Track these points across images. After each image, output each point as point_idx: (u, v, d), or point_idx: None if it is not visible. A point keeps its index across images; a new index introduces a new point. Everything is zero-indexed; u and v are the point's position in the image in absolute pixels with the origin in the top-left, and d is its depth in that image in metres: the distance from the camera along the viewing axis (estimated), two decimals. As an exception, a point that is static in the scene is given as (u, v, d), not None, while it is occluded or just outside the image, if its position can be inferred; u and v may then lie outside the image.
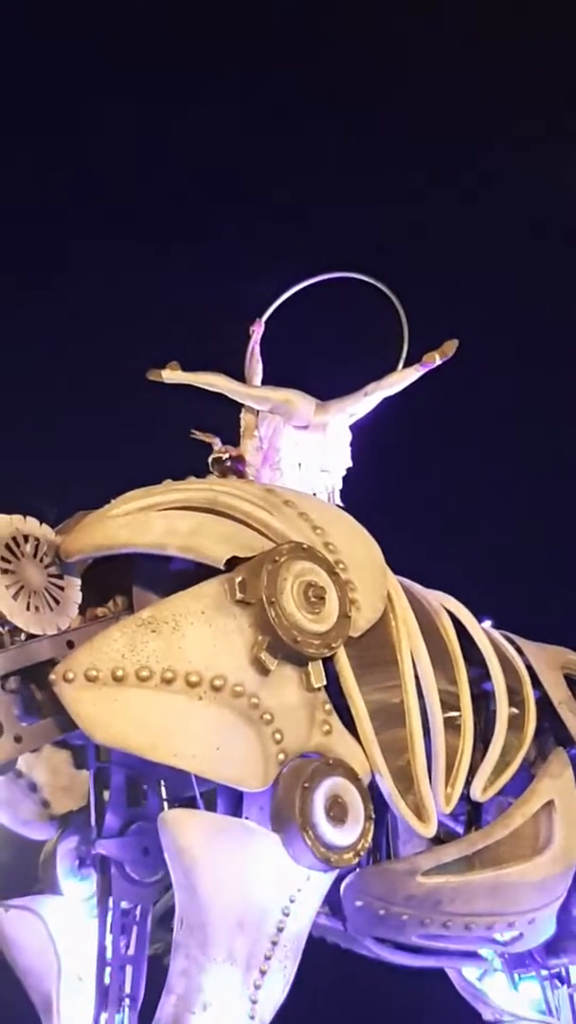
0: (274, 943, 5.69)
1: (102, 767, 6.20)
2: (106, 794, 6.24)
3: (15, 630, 5.78)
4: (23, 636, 5.79)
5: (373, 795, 6.89)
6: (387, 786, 6.10)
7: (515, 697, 6.89)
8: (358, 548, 6.37)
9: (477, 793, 6.54)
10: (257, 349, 8.32)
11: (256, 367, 8.31)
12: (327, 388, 8.24)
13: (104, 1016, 6.01)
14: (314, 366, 8.78)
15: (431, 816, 6.21)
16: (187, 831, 5.62)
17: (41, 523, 6.02)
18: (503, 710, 6.76)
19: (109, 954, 6.03)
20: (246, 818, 5.85)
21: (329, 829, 5.73)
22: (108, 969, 6.02)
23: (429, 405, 8.55)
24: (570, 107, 11.90)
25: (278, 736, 5.73)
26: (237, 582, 5.81)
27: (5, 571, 5.76)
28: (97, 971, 6.05)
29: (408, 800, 6.16)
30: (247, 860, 5.65)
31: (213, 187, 11.67)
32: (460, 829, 6.76)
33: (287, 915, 5.73)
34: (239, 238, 11.29)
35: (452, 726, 6.43)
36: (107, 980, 5.98)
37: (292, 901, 5.74)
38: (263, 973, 5.66)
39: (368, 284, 8.27)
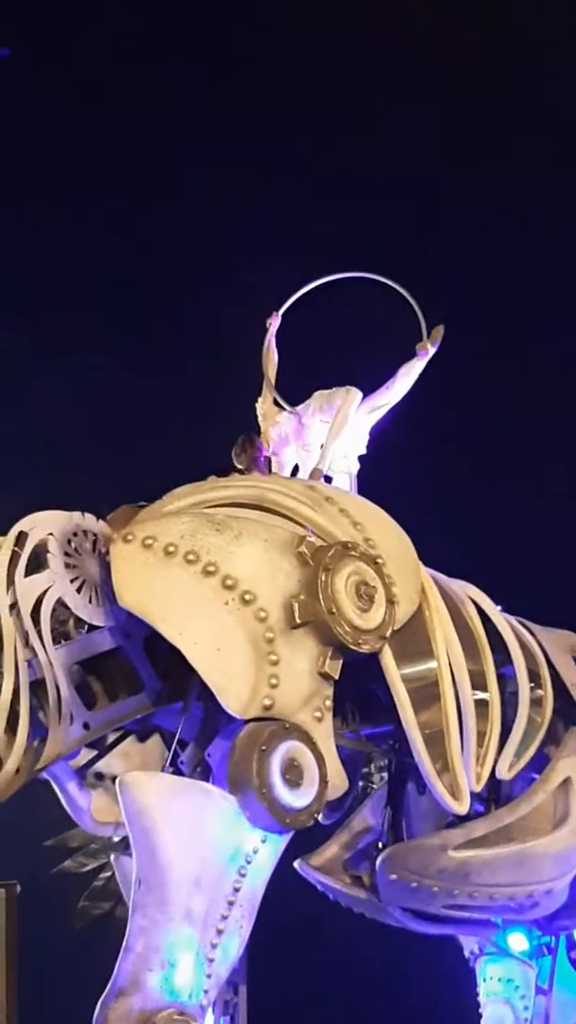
0: (230, 903, 5.92)
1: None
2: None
3: (79, 622, 6.05)
4: (86, 628, 6.07)
5: (390, 777, 7.34)
6: (426, 768, 6.49)
7: (534, 680, 7.28)
8: (393, 542, 6.72)
9: (503, 771, 6.91)
10: (273, 342, 8.54)
11: (272, 360, 8.52)
12: (341, 382, 8.46)
13: None
14: (330, 359, 9.02)
15: (464, 795, 6.60)
16: (146, 792, 5.82)
17: (98, 519, 6.30)
18: (524, 692, 7.15)
19: None
20: (208, 755, 6.14)
21: (285, 792, 5.94)
22: None
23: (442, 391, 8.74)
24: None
25: (274, 681, 5.99)
26: (307, 541, 6.18)
27: (68, 566, 6.02)
28: None
29: (444, 780, 6.53)
30: (205, 821, 5.86)
31: (235, 181, 11.85)
32: (480, 805, 7.18)
33: (243, 875, 5.96)
34: (261, 231, 11.47)
35: (481, 710, 6.80)
36: None
37: (248, 862, 5.97)
38: (219, 932, 5.88)
39: (388, 286, 8.50)
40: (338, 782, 6.18)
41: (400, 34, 12.21)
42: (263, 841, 6.00)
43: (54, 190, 11.80)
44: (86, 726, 5.96)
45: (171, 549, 5.95)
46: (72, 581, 6.01)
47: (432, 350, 8.38)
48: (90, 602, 6.05)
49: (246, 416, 8.37)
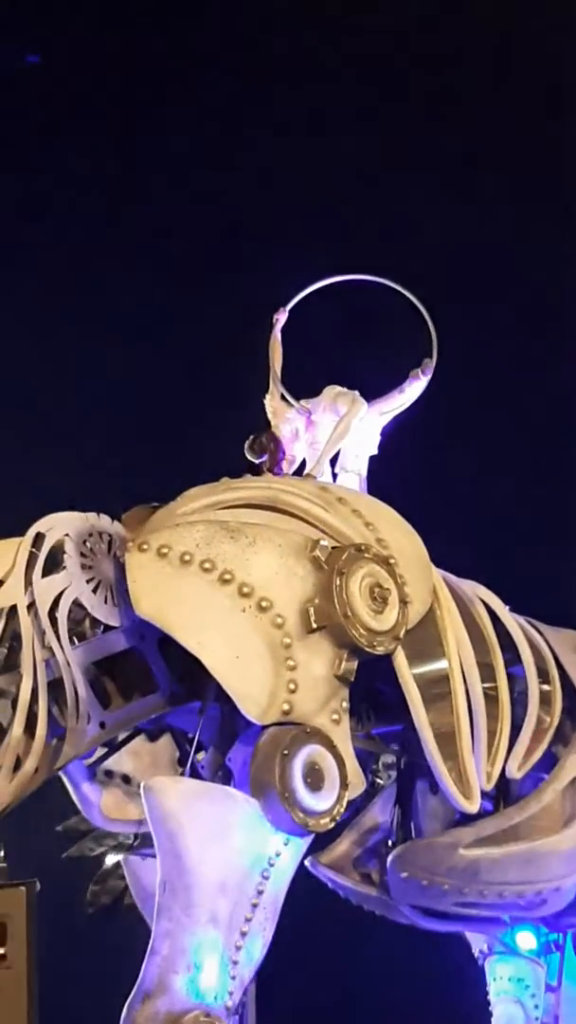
0: (254, 905, 5.99)
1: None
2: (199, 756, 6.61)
3: (94, 622, 6.12)
4: (101, 628, 6.13)
5: (399, 776, 7.41)
6: (438, 767, 6.56)
7: (543, 679, 7.34)
8: (405, 542, 6.77)
9: (513, 770, 6.98)
10: (279, 337, 8.57)
11: (278, 355, 8.55)
12: (346, 379, 8.50)
13: None
14: (336, 357, 9.06)
15: (475, 793, 6.66)
16: (170, 796, 5.90)
17: (112, 520, 6.36)
18: (534, 691, 7.21)
19: None
20: (229, 759, 6.24)
21: (307, 795, 6.01)
22: None
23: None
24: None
25: (292, 686, 6.06)
26: (321, 545, 6.24)
27: (84, 566, 6.08)
28: None
29: (455, 779, 6.60)
30: (229, 825, 5.94)
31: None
32: (488, 803, 7.24)
33: (266, 878, 6.03)
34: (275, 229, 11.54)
35: (491, 709, 6.87)
36: None
37: (271, 865, 6.05)
38: (243, 934, 5.96)
39: (401, 295, 8.55)
40: (356, 782, 6.26)
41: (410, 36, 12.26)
42: (285, 844, 6.08)
43: (73, 192, 11.89)
44: (102, 725, 6.02)
45: (187, 557, 6.02)
46: (88, 582, 6.07)
47: (424, 378, 8.44)
48: (105, 602, 6.11)
49: (258, 414, 8.43)
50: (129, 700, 6.18)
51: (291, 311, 8.58)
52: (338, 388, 8.30)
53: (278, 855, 6.06)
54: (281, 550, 6.18)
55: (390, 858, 6.85)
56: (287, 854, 6.10)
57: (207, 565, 6.01)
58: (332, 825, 6.20)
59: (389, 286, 8.52)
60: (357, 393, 8.27)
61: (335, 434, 8.07)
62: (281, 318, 8.62)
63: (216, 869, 5.87)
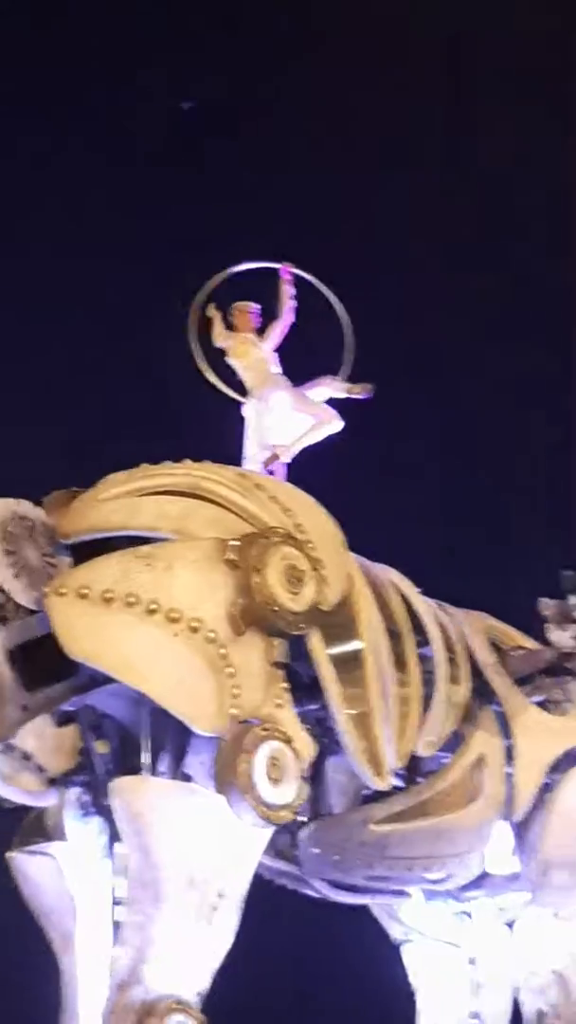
0: (220, 895, 6.27)
1: (96, 725, 6.79)
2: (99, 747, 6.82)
3: (17, 607, 6.24)
4: (23, 612, 6.25)
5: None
6: (351, 746, 6.79)
7: (452, 660, 7.60)
8: (322, 528, 6.95)
9: (422, 749, 7.23)
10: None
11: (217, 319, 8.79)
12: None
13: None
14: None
15: (386, 771, 6.94)
16: (139, 796, 6.18)
17: (35, 505, 6.47)
18: (443, 672, 7.46)
19: (118, 892, 6.56)
20: (186, 764, 6.41)
21: (268, 790, 6.24)
22: (118, 907, 6.56)
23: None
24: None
25: (236, 691, 6.27)
26: (231, 545, 6.39)
27: (7, 552, 6.19)
28: (112, 910, 6.63)
29: (367, 757, 6.84)
30: (195, 821, 6.22)
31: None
32: (398, 780, 7.48)
33: (231, 870, 6.32)
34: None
35: (402, 690, 7.13)
36: (117, 917, 6.52)
37: (236, 857, 6.33)
38: (211, 924, 6.24)
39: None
40: (307, 753, 6.45)
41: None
42: (249, 836, 6.33)
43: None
44: (25, 708, 6.17)
45: (108, 595, 6.08)
46: (10, 567, 6.20)
47: (358, 397, 8.67)
48: (28, 588, 6.23)
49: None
50: (51, 683, 6.31)
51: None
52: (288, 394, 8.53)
53: (242, 848, 6.33)
54: (197, 565, 6.31)
55: (302, 834, 7.09)
56: (251, 847, 6.38)
57: (131, 599, 6.10)
58: (292, 817, 6.45)
59: (319, 288, 8.72)
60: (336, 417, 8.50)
61: (305, 437, 8.40)
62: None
63: (184, 863, 6.14)
